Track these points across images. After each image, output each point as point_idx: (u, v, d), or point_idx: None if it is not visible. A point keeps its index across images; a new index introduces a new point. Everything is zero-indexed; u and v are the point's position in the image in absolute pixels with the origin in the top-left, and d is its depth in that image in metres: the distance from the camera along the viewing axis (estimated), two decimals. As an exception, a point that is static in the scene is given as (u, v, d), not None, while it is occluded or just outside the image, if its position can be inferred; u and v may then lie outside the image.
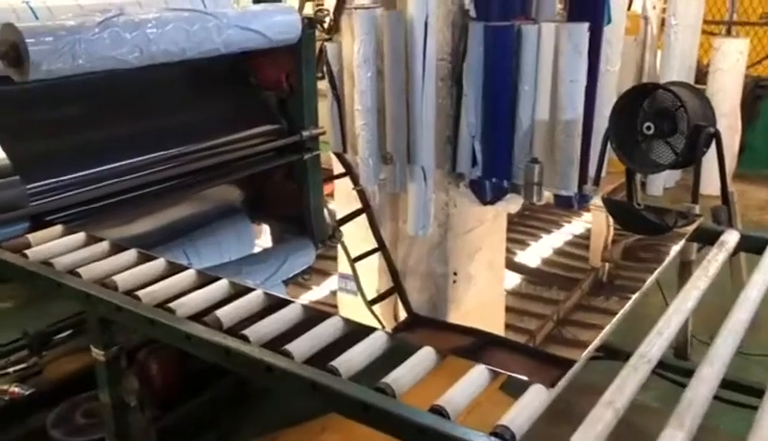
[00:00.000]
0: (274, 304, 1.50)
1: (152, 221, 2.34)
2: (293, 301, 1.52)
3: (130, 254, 1.73)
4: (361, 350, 1.32)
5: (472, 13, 3.16)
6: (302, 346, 1.33)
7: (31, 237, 1.83)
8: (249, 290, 1.55)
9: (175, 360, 1.80)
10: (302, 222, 2.75)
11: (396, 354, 1.35)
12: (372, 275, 3.07)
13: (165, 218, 2.39)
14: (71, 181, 2.08)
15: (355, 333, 1.40)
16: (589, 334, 1.58)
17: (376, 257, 2.90)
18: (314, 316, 1.47)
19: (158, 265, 1.68)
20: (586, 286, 2.10)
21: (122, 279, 1.59)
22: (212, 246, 2.57)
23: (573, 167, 3.08)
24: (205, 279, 1.63)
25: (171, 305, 1.47)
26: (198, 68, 2.43)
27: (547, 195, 3.46)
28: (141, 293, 1.52)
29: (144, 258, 1.72)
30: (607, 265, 2.29)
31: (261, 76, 2.65)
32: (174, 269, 1.67)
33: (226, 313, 1.45)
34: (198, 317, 1.45)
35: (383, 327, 1.97)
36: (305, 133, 2.55)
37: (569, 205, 3.48)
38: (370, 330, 1.39)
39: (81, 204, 2.08)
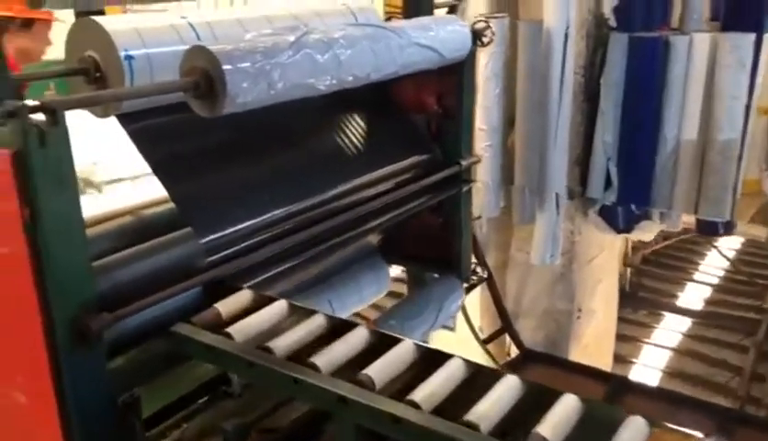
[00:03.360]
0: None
1: (296, 271, 2.00)
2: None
3: (361, 333, 1.38)
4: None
5: (612, 22, 2.86)
6: None
7: (220, 307, 1.48)
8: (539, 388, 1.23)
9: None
10: (447, 261, 2.43)
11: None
12: (474, 310, 2.77)
13: (307, 265, 2.04)
14: (236, 234, 1.71)
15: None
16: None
17: (477, 292, 2.62)
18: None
19: (406, 349, 1.34)
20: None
21: (376, 373, 1.25)
22: (353, 292, 2.26)
23: (728, 192, 2.78)
24: (471, 370, 1.29)
25: (470, 418, 1.13)
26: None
27: (687, 219, 3.16)
28: (417, 397, 1.18)
29: (383, 339, 1.37)
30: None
31: (403, 98, 2.29)
32: (426, 353, 1.34)
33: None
34: (506, 433, 1.13)
35: (497, 364, 1.71)
36: (464, 162, 2.21)
37: (713, 232, 3.18)
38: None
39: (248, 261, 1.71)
